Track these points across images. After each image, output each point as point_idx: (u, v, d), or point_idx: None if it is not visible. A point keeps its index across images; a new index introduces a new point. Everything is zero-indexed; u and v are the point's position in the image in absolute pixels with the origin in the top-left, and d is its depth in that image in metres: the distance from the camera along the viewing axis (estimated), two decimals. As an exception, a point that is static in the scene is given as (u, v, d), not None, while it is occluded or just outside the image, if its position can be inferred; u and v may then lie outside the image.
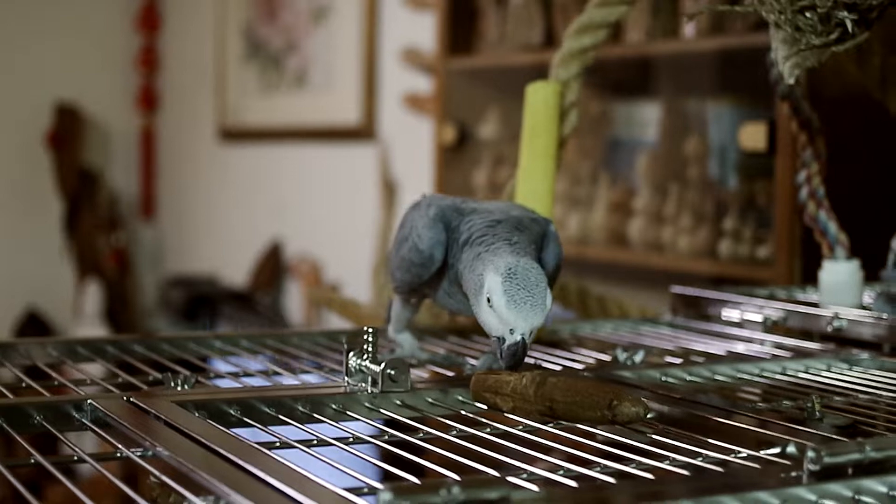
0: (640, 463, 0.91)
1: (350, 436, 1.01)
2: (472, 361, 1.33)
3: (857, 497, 0.83)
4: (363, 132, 4.10)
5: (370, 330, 1.15)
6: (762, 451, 0.93)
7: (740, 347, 1.48)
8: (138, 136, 5.89)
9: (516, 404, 1.09)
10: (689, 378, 1.29)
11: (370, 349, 1.15)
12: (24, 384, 1.21)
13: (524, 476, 0.87)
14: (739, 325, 1.58)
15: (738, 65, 2.41)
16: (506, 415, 1.10)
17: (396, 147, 3.97)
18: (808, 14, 1.26)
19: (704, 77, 2.56)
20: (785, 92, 1.51)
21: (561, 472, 0.89)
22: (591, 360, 1.38)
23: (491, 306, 1.14)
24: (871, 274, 1.62)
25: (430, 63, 3.62)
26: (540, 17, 2.85)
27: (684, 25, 2.41)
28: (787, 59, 1.31)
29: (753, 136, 2.12)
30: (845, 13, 1.25)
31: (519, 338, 1.14)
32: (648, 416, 1.04)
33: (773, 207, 2.15)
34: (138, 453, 0.94)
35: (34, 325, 5.56)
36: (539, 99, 1.52)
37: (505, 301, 1.13)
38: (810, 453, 0.84)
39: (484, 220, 1.23)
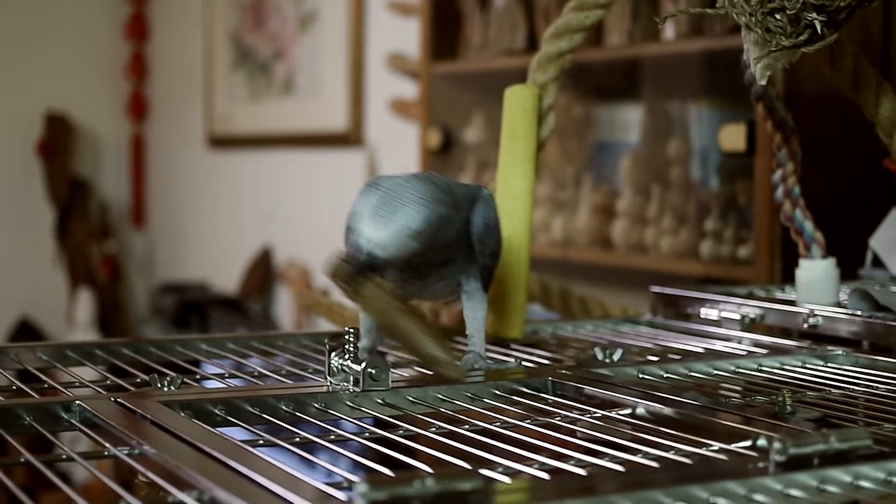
0: (614, 457, 0.93)
1: (332, 434, 1.04)
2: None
3: (821, 486, 0.85)
4: (350, 138, 4.12)
5: (351, 330, 1.18)
6: (733, 445, 0.96)
7: (718, 345, 1.50)
8: (128, 145, 5.91)
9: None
10: (665, 375, 1.32)
11: (351, 349, 1.17)
12: (14, 387, 1.24)
13: (500, 469, 0.90)
14: (718, 323, 1.60)
15: (718, 67, 2.44)
16: (484, 412, 1.13)
17: (384, 152, 4.00)
18: (777, 16, 1.29)
19: (685, 79, 2.59)
20: (759, 93, 1.54)
21: (535, 465, 0.91)
22: (569, 360, 1.40)
23: None
24: (850, 272, 1.65)
25: (416, 68, 3.65)
26: (523, 22, 2.88)
27: (661, 28, 2.44)
28: (759, 60, 1.33)
29: (733, 137, 2.14)
30: (814, 15, 1.28)
31: (361, 241, 1.14)
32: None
33: (754, 208, 2.18)
34: (125, 452, 0.96)
35: (27, 332, 5.58)
36: (517, 102, 1.54)
37: (354, 205, 1.17)
38: (777, 444, 0.86)
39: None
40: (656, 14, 2.51)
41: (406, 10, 3.78)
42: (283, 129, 4.64)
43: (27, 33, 5.70)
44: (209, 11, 5.19)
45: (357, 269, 1.14)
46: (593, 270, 2.70)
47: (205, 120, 5.25)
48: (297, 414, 1.12)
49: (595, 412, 1.12)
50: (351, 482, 0.84)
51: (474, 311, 1.34)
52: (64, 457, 0.97)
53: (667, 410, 1.11)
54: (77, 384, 1.25)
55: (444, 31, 3.11)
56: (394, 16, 3.88)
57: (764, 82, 1.36)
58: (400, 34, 3.85)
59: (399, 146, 3.88)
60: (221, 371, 1.33)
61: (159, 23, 5.81)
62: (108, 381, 1.26)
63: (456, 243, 1.27)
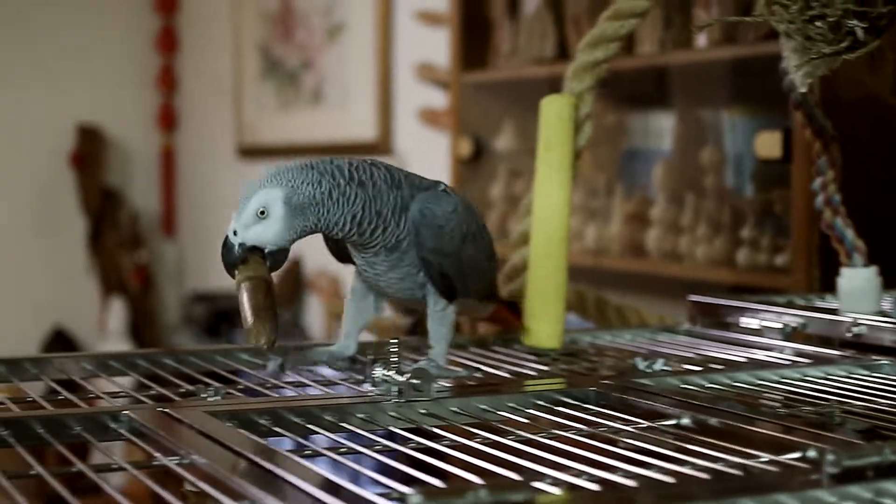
0: (662, 468, 0.93)
1: (376, 443, 1.04)
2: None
3: (876, 499, 0.84)
4: (379, 147, 4.13)
5: (394, 341, 1.18)
6: (782, 456, 0.95)
7: (759, 355, 1.49)
8: (159, 155, 5.94)
9: None
10: (708, 385, 1.31)
11: (394, 360, 1.18)
12: (61, 396, 1.24)
13: (548, 480, 0.90)
14: (758, 332, 1.59)
15: (752, 74, 2.43)
16: (527, 422, 1.13)
17: (413, 161, 4.00)
18: (818, 23, 1.29)
19: (718, 87, 2.59)
20: (798, 100, 1.53)
21: (584, 476, 0.91)
22: (610, 369, 1.40)
23: None
24: (891, 280, 1.64)
25: (445, 77, 3.65)
26: (552, 30, 2.88)
27: (695, 36, 2.43)
28: (799, 67, 1.33)
29: (769, 144, 2.14)
30: (855, 22, 1.28)
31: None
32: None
33: (790, 215, 2.17)
34: (175, 461, 0.97)
35: (61, 342, 5.61)
36: (553, 112, 1.54)
37: None
38: (830, 456, 0.85)
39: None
40: (688, 22, 2.51)
41: (434, 20, 3.78)
42: (311, 139, 4.65)
43: (59, 47, 5.73)
44: (238, 23, 5.21)
45: (230, 259, 1.29)
46: (627, 279, 2.69)
47: (234, 130, 5.27)
48: (341, 424, 1.12)
49: (639, 422, 1.12)
50: (402, 493, 0.84)
51: (431, 319, 1.37)
52: (114, 466, 0.97)
53: (712, 421, 1.11)
54: (122, 394, 1.26)
55: (474, 40, 3.11)
56: (421, 25, 3.89)
57: (805, 89, 1.36)
58: (428, 43, 3.86)
59: (428, 155, 3.88)
60: (264, 381, 1.34)
61: (189, 35, 5.83)
62: (153, 391, 1.26)
63: (387, 223, 1.30)
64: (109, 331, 5.56)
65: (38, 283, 5.73)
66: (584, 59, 1.57)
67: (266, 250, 1.28)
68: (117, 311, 5.59)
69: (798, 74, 1.34)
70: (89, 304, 5.75)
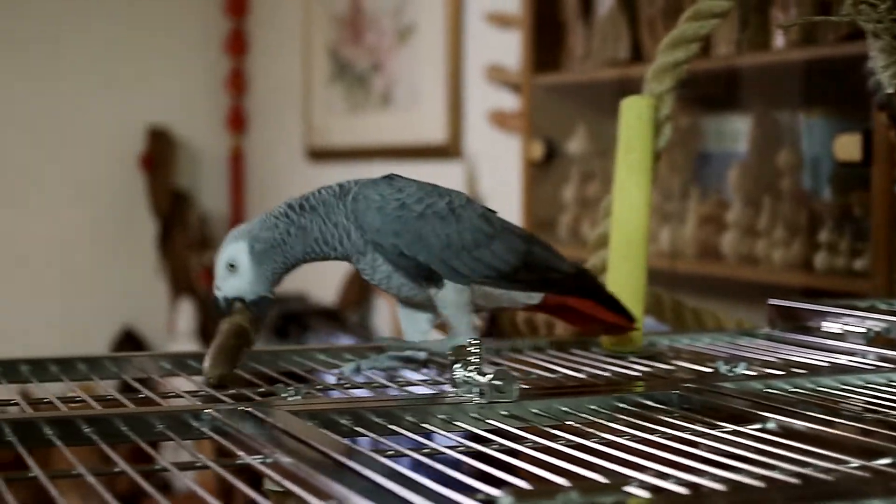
0: (749, 472, 0.91)
1: (459, 444, 1.04)
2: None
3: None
4: (449, 150, 4.13)
5: (475, 342, 1.18)
6: (873, 462, 0.93)
7: (842, 359, 1.47)
8: (228, 157, 5.98)
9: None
10: (791, 389, 1.29)
11: (476, 361, 1.17)
12: (142, 395, 1.25)
13: (636, 484, 0.89)
14: (840, 337, 1.57)
15: (830, 75, 2.40)
16: (610, 425, 1.12)
17: (482, 164, 4.00)
18: (907, 23, 1.26)
19: (795, 88, 2.56)
20: (883, 101, 1.51)
21: (671, 479, 0.90)
22: (691, 373, 1.39)
23: None
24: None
25: (515, 79, 3.64)
26: (626, 32, 2.86)
27: (780, 35, 2.40)
28: (886, 68, 1.31)
29: (848, 146, 2.11)
30: (945, 22, 1.26)
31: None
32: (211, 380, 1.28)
33: (870, 219, 2.13)
34: (258, 460, 0.97)
35: (130, 342, 5.66)
36: (633, 113, 1.53)
37: None
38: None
39: None
40: (765, 23, 2.48)
41: (504, 22, 3.77)
42: (381, 142, 4.66)
43: (130, 49, 5.79)
44: (307, 26, 5.24)
45: (217, 312, 1.39)
46: (701, 282, 2.67)
47: (303, 132, 5.29)
48: (423, 425, 1.12)
49: (724, 426, 1.10)
50: (490, 495, 0.83)
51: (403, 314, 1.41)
52: (198, 464, 0.98)
53: (797, 425, 1.09)
54: (202, 393, 1.26)
55: (546, 42, 3.10)
56: (492, 27, 3.88)
57: (891, 90, 1.33)
58: (498, 45, 3.85)
59: (498, 158, 3.87)
60: (343, 381, 1.34)
61: (258, 37, 5.87)
62: (232, 390, 1.27)
63: (346, 231, 1.35)
64: (178, 332, 5.61)
65: (107, 284, 5.79)
66: (665, 59, 1.55)
67: (247, 300, 1.36)
68: (186, 312, 5.63)
69: (885, 75, 1.32)
70: (159, 305, 5.80)
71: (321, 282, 5.05)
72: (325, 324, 4.73)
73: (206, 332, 5.68)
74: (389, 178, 1.38)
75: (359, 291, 4.73)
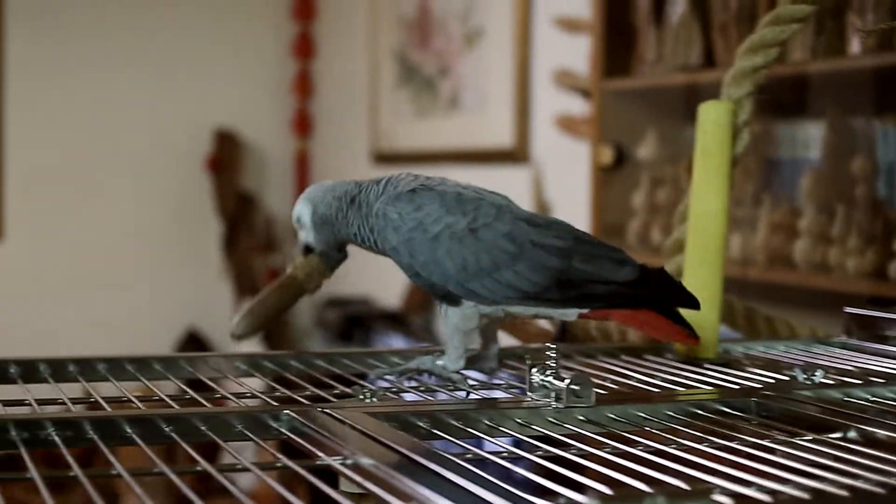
0: (833, 481, 0.90)
1: (537, 448, 1.03)
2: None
3: None
4: (516, 154, 4.12)
5: (553, 347, 1.17)
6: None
7: (922, 369, 1.45)
8: (293, 160, 6.01)
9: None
10: (871, 398, 1.28)
11: (553, 365, 1.17)
12: (218, 395, 1.26)
13: (718, 491, 0.88)
14: (919, 346, 1.55)
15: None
16: (689, 432, 1.11)
17: (549, 169, 3.99)
18: None
19: (870, 95, 2.53)
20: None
21: (754, 487, 0.89)
22: (768, 379, 1.37)
23: None
24: None
25: (584, 84, 3.63)
26: (699, 37, 2.84)
27: (855, 41, 2.38)
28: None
29: (925, 154, 2.08)
30: None
31: None
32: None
33: (947, 227, 2.11)
34: (338, 461, 0.97)
35: (194, 344, 5.70)
36: (711, 118, 1.52)
37: None
38: None
39: None
40: (840, 29, 2.46)
41: (573, 26, 3.76)
42: (447, 146, 4.66)
43: (198, 52, 5.84)
44: (375, 29, 5.25)
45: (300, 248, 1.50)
46: (772, 290, 2.64)
47: (369, 136, 5.31)
48: (500, 428, 1.12)
49: (804, 434, 1.09)
50: (572, 500, 0.82)
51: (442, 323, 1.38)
52: (279, 465, 0.98)
53: (880, 434, 1.08)
54: (279, 394, 1.27)
55: (616, 47, 3.09)
56: (560, 32, 3.87)
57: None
58: (566, 50, 3.84)
59: (565, 163, 3.86)
60: (416, 384, 1.34)
61: (326, 41, 5.90)
62: (307, 392, 1.28)
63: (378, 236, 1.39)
64: (242, 333, 5.63)
65: (172, 285, 5.84)
66: (744, 64, 1.54)
67: (317, 250, 1.48)
68: (250, 315, 5.66)
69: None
70: (223, 306, 5.84)
71: (386, 285, 5.07)
72: (389, 327, 4.75)
73: (268, 334, 5.71)
74: (413, 192, 1.34)
75: (423, 295, 4.74)
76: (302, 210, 1.46)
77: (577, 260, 1.28)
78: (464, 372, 1.37)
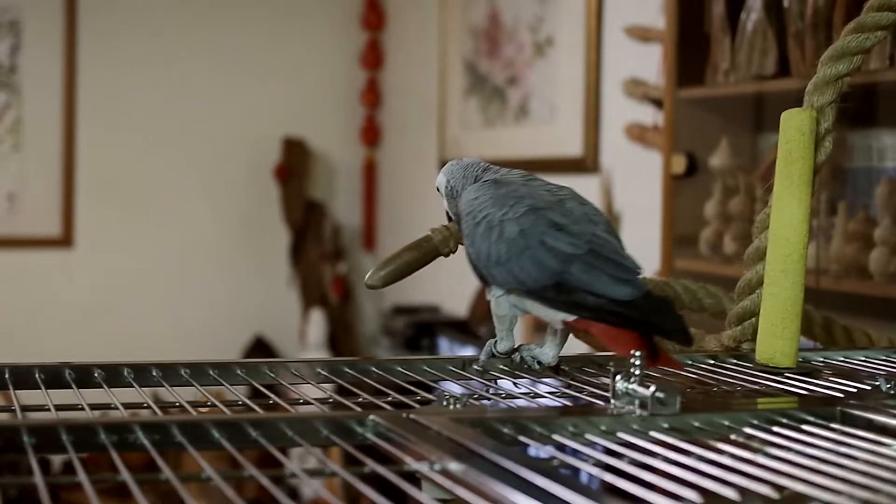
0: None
1: (624, 455, 1.03)
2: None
3: None
4: (586, 163, 4.12)
5: (637, 354, 1.17)
6: None
7: None
8: (362, 169, 6.04)
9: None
10: (958, 408, 1.26)
11: (637, 372, 1.17)
12: (301, 400, 1.27)
13: (816, 502, 0.87)
14: None
15: None
16: (776, 440, 1.10)
17: (619, 178, 3.98)
18: None
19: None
20: None
21: (844, 496, 0.89)
22: (851, 389, 1.36)
23: None
24: None
25: (654, 93, 3.62)
26: (774, 46, 2.82)
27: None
28: None
29: None
30: None
31: None
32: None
33: None
34: (426, 466, 0.98)
35: (261, 351, 5.74)
36: (794, 126, 1.51)
37: None
38: None
39: None
40: (918, 37, 2.44)
41: (645, 35, 3.76)
42: (517, 155, 4.66)
43: (268, 62, 5.89)
44: (444, 38, 5.27)
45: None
46: (847, 299, 2.62)
47: (437, 145, 5.32)
48: (585, 435, 1.12)
49: (890, 443, 1.08)
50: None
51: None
52: (366, 470, 0.99)
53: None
54: (361, 400, 1.28)
55: (689, 56, 3.08)
56: (630, 41, 3.86)
57: None
58: (636, 59, 3.83)
59: (635, 172, 3.85)
60: (501, 392, 1.35)
61: (394, 50, 5.92)
62: (390, 398, 1.28)
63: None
64: (309, 342, 5.67)
65: (241, 293, 5.89)
66: (826, 72, 1.53)
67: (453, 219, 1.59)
68: (317, 323, 5.70)
69: None
70: (290, 314, 5.88)
71: (454, 294, 5.08)
72: (456, 335, 4.75)
73: (335, 343, 5.74)
74: (483, 183, 1.51)
75: (488, 305, 4.74)
76: (440, 180, 1.59)
77: (576, 268, 1.36)
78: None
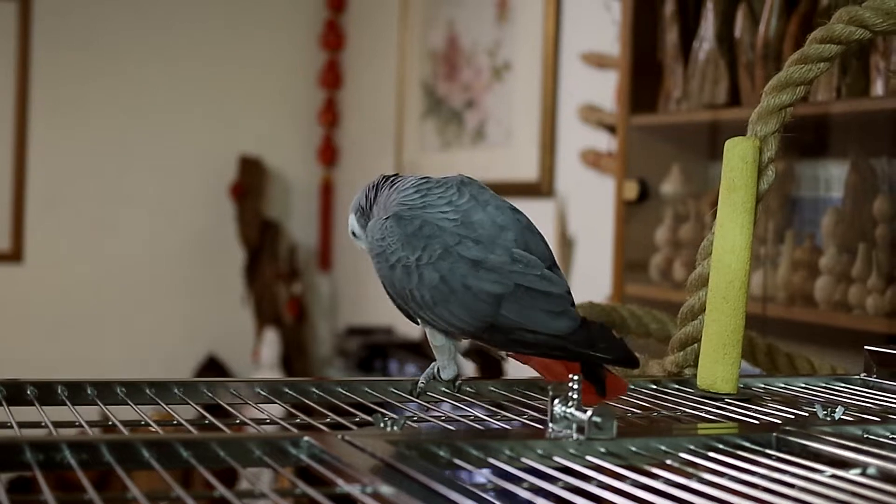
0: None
1: (559, 480, 1.04)
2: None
3: None
4: (541, 188, 4.13)
5: (576, 378, 1.17)
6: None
7: (942, 408, 1.45)
8: (318, 189, 6.04)
9: None
10: (891, 435, 1.28)
11: (575, 396, 1.17)
12: (238, 421, 1.27)
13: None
14: (939, 385, 1.55)
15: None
16: (710, 465, 1.11)
17: (573, 203, 4.00)
18: None
19: (893, 136, 2.53)
20: None
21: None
22: (789, 415, 1.37)
23: None
24: None
25: (610, 119, 3.64)
26: (726, 75, 2.85)
27: (884, 82, 2.38)
28: None
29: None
30: None
31: None
32: None
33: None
34: (358, 489, 0.97)
35: (214, 370, 5.72)
36: (737, 154, 1.52)
37: None
38: None
39: None
40: (865, 69, 2.46)
41: (601, 62, 3.78)
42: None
43: (225, 79, 5.89)
44: (402, 60, 5.28)
45: None
46: (792, 327, 2.64)
47: (394, 167, 5.33)
48: (521, 459, 1.12)
49: (824, 470, 1.09)
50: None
51: None
52: (298, 491, 0.98)
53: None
54: (299, 420, 1.27)
55: (642, 84, 3.10)
56: (587, 67, 3.88)
57: None
58: (592, 85, 3.86)
59: (589, 197, 3.87)
60: (439, 414, 1.35)
61: (353, 71, 5.93)
62: (329, 419, 1.28)
63: None
64: (263, 362, 5.65)
65: (195, 311, 5.86)
66: (770, 102, 1.55)
67: None
68: (271, 343, 5.68)
69: None
70: (244, 334, 5.85)
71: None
72: (409, 357, 4.75)
73: (289, 363, 5.72)
74: (388, 218, 1.43)
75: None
76: (351, 222, 1.55)
77: (506, 308, 1.35)
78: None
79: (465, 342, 1.56)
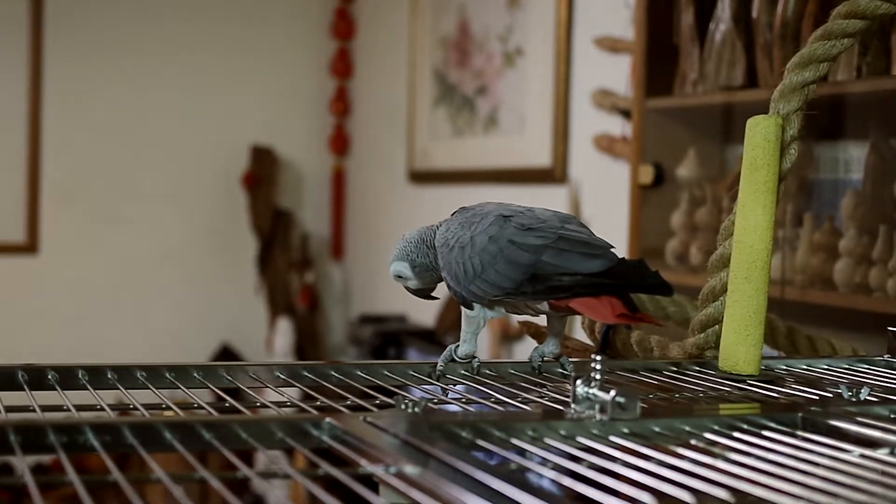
0: (881, 495, 0.89)
1: (583, 460, 1.02)
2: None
3: None
4: (554, 174, 4.11)
5: (599, 359, 1.16)
6: None
7: (967, 387, 1.43)
8: (330, 178, 6.03)
9: None
10: (918, 415, 1.26)
11: (598, 377, 1.16)
12: (258, 403, 1.26)
13: None
14: (964, 365, 1.53)
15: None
16: (735, 446, 1.10)
17: (587, 188, 3.98)
18: None
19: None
20: None
21: (804, 501, 0.88)
22: (813, 396, 1.36)
23: None
24: None
25: (624, 104, 3.62)
26: (742, 57, 2.82)
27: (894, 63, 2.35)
28: None
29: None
30: None
31: None
32: None
33: None
34: (381, 469, 0.96)
35: (228, 359, 5.70)
36: (759, 132, 1.50)
37: None
38: None
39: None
40: (886, 49, 2.44)
41: (614, 46, 3.75)
42: (485, 165, 4.66)
43: (236, 69, 5.87)
44: (413, 48, 5.26)
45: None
46: (811, 310, 2.62)
47: (406, 155, 5.31)
48: (543, 440, 1.11)
49: (851, 450, 1.08)
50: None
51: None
52: (321, 472, 0.97)
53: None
54: (319, 403, 1.26)
55: (657, 67, 3.07)
56: (599, 52, 3.86)
57: None
58: (606, 69, 3.83)
59: (602, 183, 3.85)
60: (458, 396, 1.33)
61: (364, 59, 5.91)
62: (349, 402, 1.27)
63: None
64: (276, 351, 5.65)
65: (208, 301, 5.86)
66: (793, 79, 1.53)
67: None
68: (284, 332, 5.67)
69: None
70: (257, 323, 5.85)
71: (421, 304, 5.05)
72: (422, 345, 4.74)
73: (302, 352, 5.72)
74: (452, 217, 1.55)
75: (458, 314, 4.72)
76: (398, 269, 1.59)
77: (547, 255, 1.41)
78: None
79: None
